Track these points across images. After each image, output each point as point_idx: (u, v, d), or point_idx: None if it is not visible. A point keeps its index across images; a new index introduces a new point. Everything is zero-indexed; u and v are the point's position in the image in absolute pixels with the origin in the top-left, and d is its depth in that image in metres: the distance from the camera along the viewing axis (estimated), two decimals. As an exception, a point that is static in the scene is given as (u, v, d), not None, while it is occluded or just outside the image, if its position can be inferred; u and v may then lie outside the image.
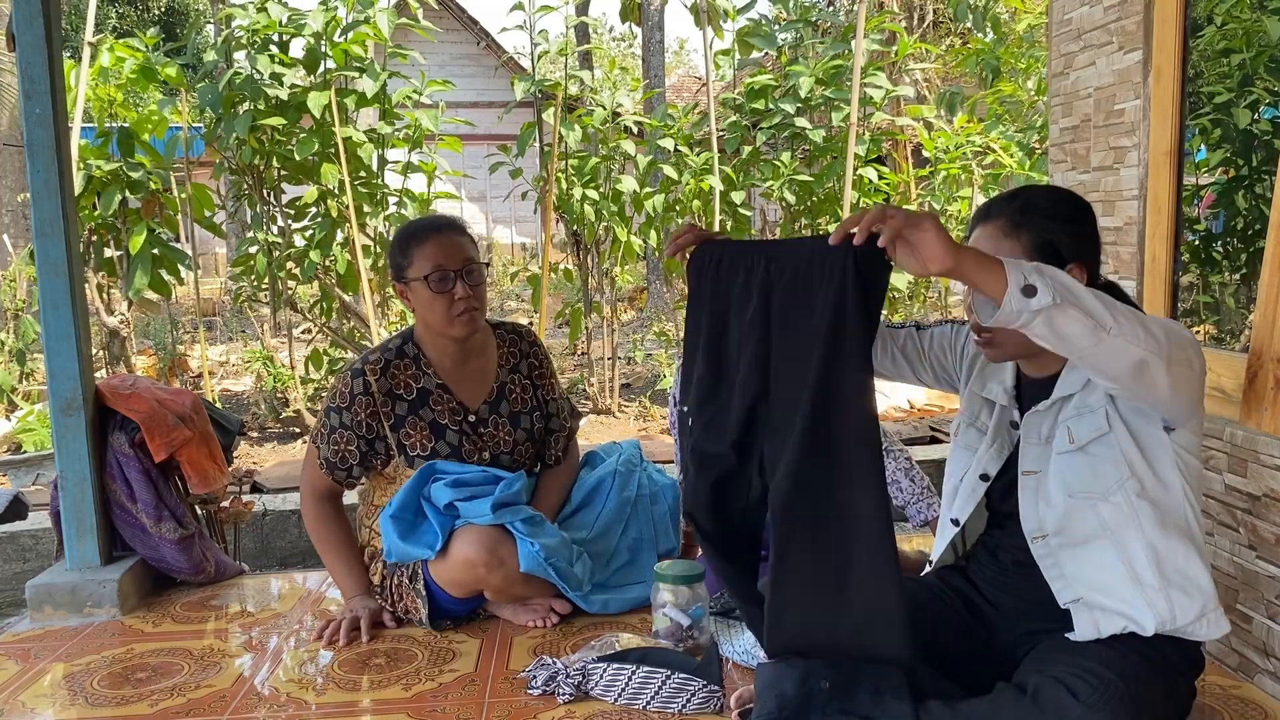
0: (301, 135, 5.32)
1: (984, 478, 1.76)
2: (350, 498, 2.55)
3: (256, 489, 4.44)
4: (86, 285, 5.09)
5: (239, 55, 5.47)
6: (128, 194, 5.26)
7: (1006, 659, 1.70)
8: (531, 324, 5.93)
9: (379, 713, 1.94)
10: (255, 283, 5.76)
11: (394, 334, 2.60)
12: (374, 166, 5.66)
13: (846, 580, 1.49)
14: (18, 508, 4.16)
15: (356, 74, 5.38)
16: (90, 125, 5.62)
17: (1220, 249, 2.64)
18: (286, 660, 2.22)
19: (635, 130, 6.15)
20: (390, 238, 5.43)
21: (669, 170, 5.83)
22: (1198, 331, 2.58)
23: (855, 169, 5.62)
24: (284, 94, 5.26)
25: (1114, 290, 1.63)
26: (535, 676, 1.98)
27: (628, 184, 5.85)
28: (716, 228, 5.74)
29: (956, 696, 1.58)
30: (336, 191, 5.47)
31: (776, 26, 6.52)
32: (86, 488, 2.57)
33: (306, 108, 5.23)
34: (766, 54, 6.62)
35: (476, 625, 2.34)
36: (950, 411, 5.55)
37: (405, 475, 2.31)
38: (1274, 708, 1.88)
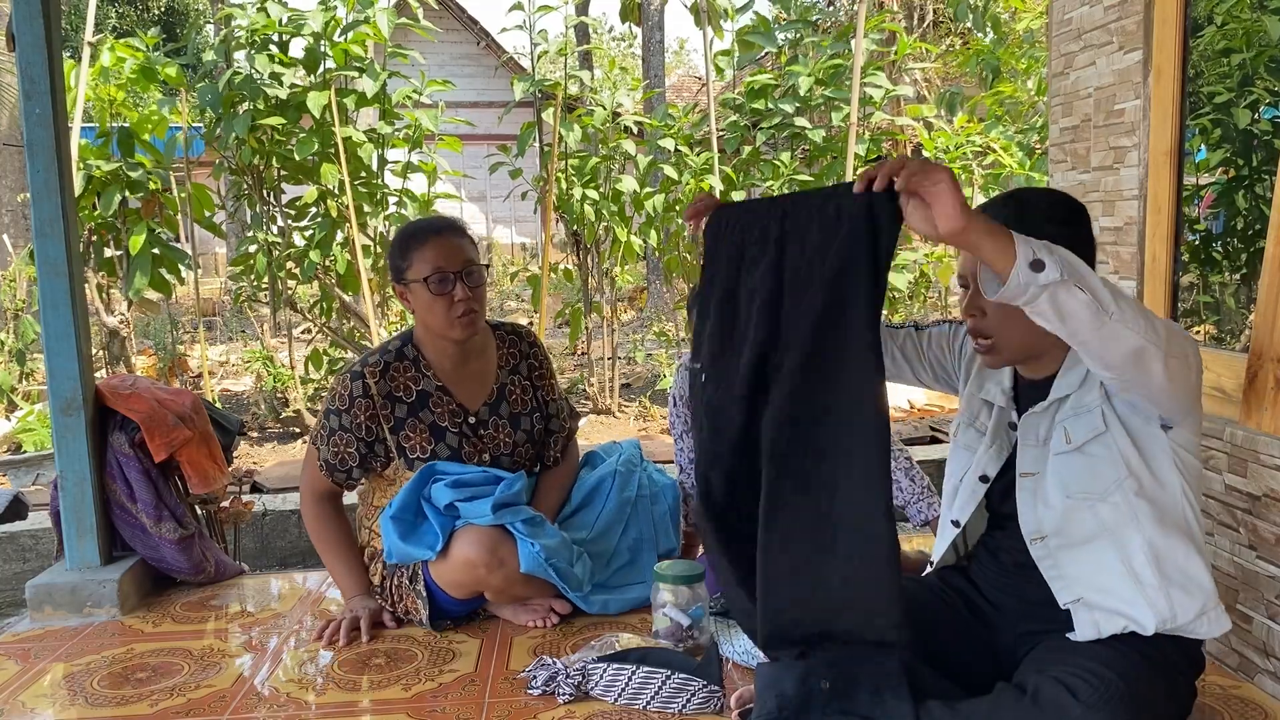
0: (301, 135, 5.32)
1: (983, 479, 1.76)
2: (350, 498, 2.55)
3: (256, 489, 4.44)
4: (86, 285, 5.09)
5: (239, 55, 5.47)
6: (128, 194, 5.26)
7: (1007, 659, 1.70)
8: (531, 324, 5.94)
9: (379, 713, 1.94)
10: (255, 283, 5.76)
11: (393, 336, 2.59)
12: (374, 166, 5.66)
13: (836, 536, 1.47)
14: (18, 508, 4.16)
15: (356, 74, 5.38)
16: (90, 125, 5.63)
17: (1220, 249, 2.64)
18: (286, 660, 2.22)
19: (635, 130, 6.15)
20: (390, 238, 5.44)
21: (669, 170, 5.83)
22: (1197, 332, 2.58)
23: (855, 169, 5.62)
24: (284, 94, 5.26)
25: (1113, 290, 1.63)
26: (535, 676, 1.98)
27: (628, 184, 5.85)
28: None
29: (956, 696, 1.58)
30: (336, 191, 5.47)
31: (776, 26, 6.52)
32: (86, 488, 2.57)
33: (306, 108, 5.23)
34: (766, 54, 6.61)
35: (476, 625, 2.34)
36: (950, 411, 5.55)
37: (405, 477, 2.31)
38: (1274, 708, 1.88)
